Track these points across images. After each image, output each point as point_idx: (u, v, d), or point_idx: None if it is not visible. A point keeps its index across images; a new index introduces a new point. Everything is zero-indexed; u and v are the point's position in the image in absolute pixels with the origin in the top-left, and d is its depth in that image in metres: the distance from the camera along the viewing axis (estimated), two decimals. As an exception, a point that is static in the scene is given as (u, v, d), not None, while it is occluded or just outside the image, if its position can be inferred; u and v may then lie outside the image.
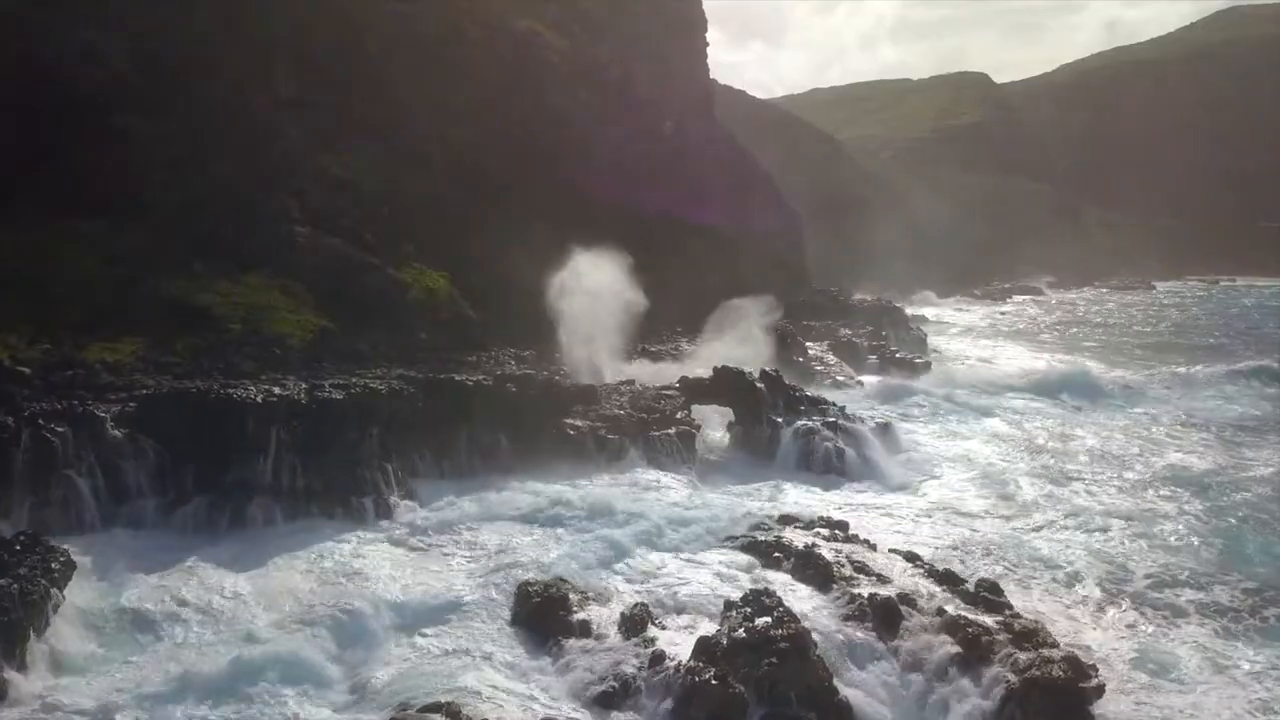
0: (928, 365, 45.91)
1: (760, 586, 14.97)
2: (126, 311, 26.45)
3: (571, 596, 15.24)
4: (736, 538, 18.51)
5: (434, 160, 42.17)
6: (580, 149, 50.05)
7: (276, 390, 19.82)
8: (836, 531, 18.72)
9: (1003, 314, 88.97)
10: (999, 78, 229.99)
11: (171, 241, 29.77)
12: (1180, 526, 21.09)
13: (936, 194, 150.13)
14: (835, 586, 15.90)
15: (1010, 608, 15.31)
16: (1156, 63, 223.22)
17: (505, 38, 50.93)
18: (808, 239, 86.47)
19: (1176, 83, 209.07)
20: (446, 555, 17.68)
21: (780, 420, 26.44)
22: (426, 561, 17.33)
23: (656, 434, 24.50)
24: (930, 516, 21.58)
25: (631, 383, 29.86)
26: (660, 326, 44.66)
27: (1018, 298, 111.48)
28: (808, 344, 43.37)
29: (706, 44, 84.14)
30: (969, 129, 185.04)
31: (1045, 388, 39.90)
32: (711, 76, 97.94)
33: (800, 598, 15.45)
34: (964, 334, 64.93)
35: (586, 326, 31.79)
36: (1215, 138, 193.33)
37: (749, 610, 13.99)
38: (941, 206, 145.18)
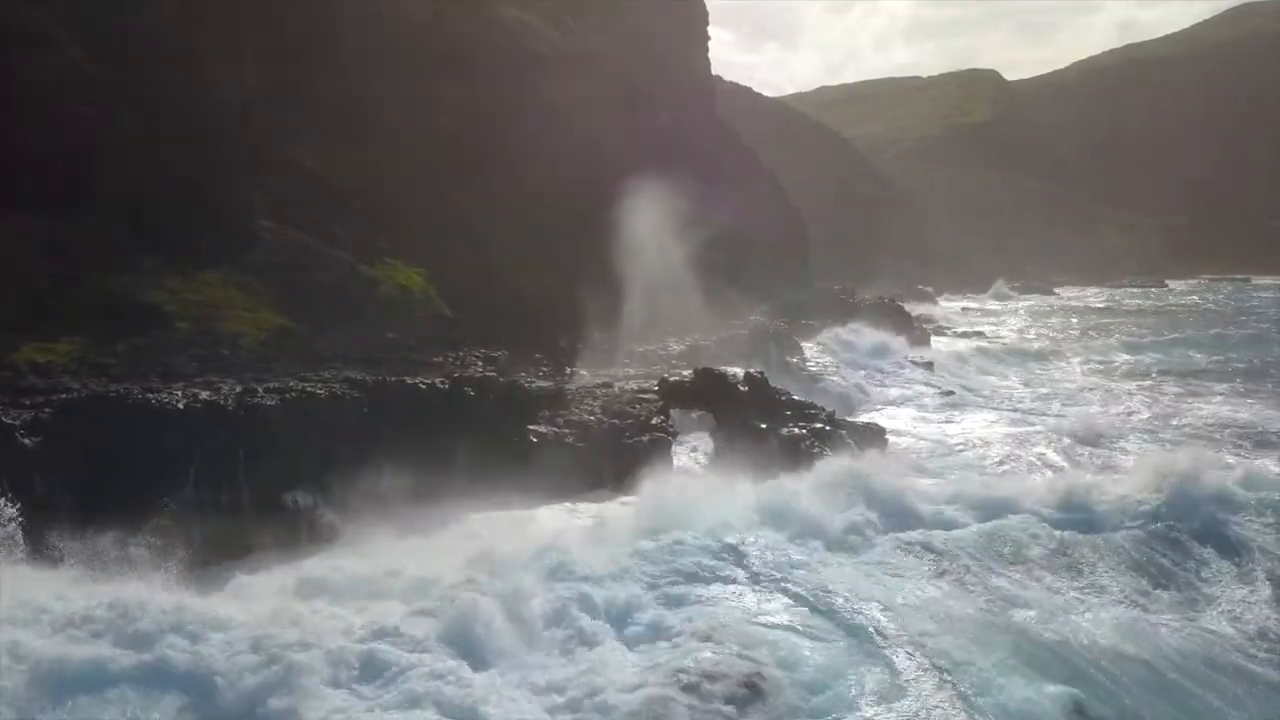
0: (929, 365, 44.26)
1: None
2: (68, 309, 24.87)
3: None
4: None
5: (415, 153, 40.47)
6: (571, 143, 48.38)
7: (204, 395, 18.12)
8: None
9: (1010, 314, 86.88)
10: (1011, 77, 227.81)
11: (123, 236, 28.17)
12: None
13: (945, 193, 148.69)
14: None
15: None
16: (1168, 60, 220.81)
17: (493, 28, 49.36)
18: (813, 238, 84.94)
19: (1188, 80, 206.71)
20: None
21: (765, 426, 24.67)
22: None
23: (630, 441, 22.75)
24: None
25: (610, 385, 28.14)
26: (650, 325, 42.98)
27: (1027, 297, 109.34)
28: (804, 344, 41.59)
29: (708, 38, 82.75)
30: (979, 127, 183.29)
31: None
32: (718, 74, 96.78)
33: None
34: (969, 335, 62.89)
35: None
36: (1228, 135, 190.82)
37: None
38: (950, 205, 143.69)
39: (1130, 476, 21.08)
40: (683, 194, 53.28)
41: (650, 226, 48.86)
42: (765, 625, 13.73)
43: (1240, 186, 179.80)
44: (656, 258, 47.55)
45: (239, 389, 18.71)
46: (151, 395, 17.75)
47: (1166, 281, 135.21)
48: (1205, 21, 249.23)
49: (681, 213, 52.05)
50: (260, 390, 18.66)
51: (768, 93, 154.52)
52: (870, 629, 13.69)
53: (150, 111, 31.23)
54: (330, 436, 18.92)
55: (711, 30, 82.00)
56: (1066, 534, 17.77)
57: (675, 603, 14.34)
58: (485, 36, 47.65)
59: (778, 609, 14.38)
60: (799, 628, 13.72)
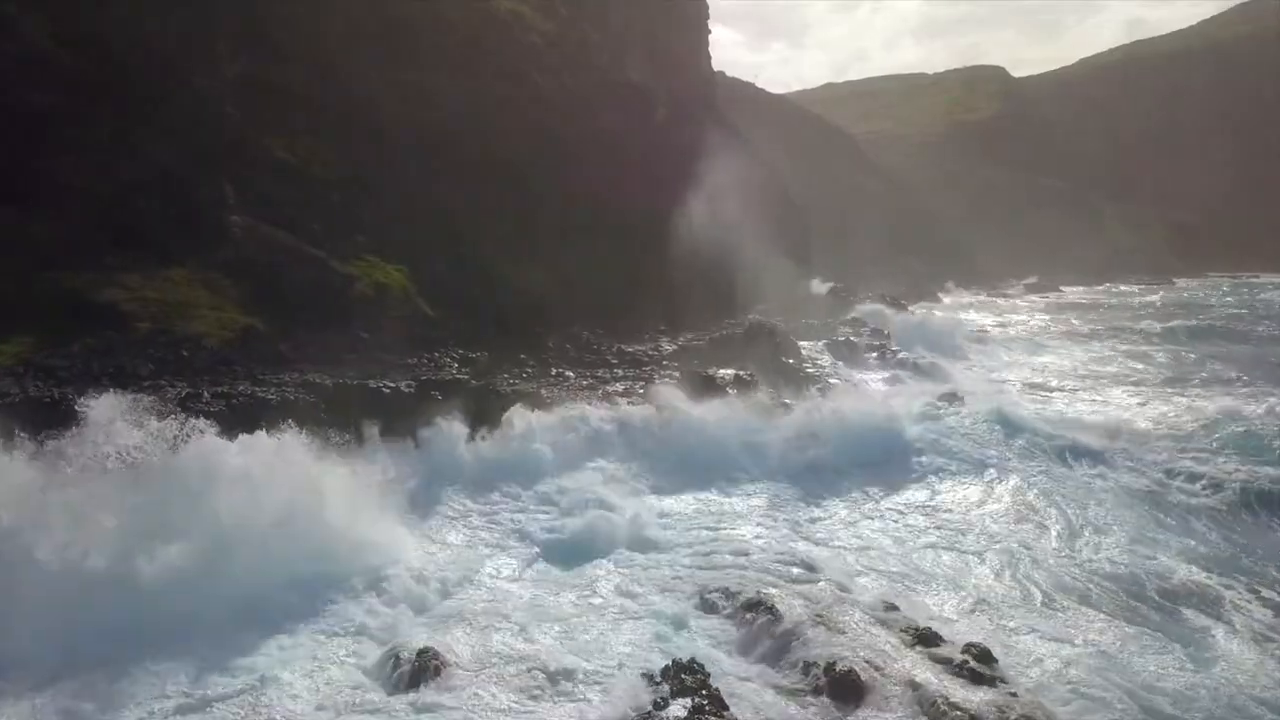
0: (932, 365, 42.89)
1: (684, 657, 11.87)
2: (23, 308, 23.71)
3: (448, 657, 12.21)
4: (678, 578, 15.51)
5: (399, 147, 39.23)
6: (564, 137, 47.16)
7: (148, 399, 16.87)
8: (797, 570, 15.63)
9: (1017, 312, 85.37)
10: (1018, 75, 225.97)
11: (87, 231, 26.96)
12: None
13: (950, 189, 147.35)
14: (786, 647, 12.82)
15: (1005, 680, 12.17)
16: (1176, 56, 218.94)
17: (484, 17, 48.07)
18: (816, 235, 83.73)
19: (1196, 76, 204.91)
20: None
21: (753, 432, 23.40)
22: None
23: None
24: (914, 545, 18.19)
25: (595, 388, 26.88)
26: (642, 324, 41.81)
27: (1033, 295, 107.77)
28: (802, 343, 40.27)
29: (708, 31, 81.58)
30: (984, 123, 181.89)
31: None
32: (721, 71, 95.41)
33: (737, 663, 12.40)
34: (974, 333, 61.47)
35: None
36: (1237, 132, 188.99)
37: (666, 691, 10.97)
38: (956, 202, 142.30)
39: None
40: (679, 190, 52.22)
41: (645, 223, 47.69)
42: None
43: (1250, 183, 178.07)
44: (651, 255, 46.37)
45: (183, 394, 17.43)
46: (84, 400, 16.47)
47: (1175, 280, 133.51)
48: (1212, 18, 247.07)
49: (677, 209, 50.97)
50: (206, 395, 17.41)
51: (774, 90, 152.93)
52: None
53: (119, 102, 30.03)
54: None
55: (719, 30, 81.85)
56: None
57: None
58: (475, 26, 46.42)
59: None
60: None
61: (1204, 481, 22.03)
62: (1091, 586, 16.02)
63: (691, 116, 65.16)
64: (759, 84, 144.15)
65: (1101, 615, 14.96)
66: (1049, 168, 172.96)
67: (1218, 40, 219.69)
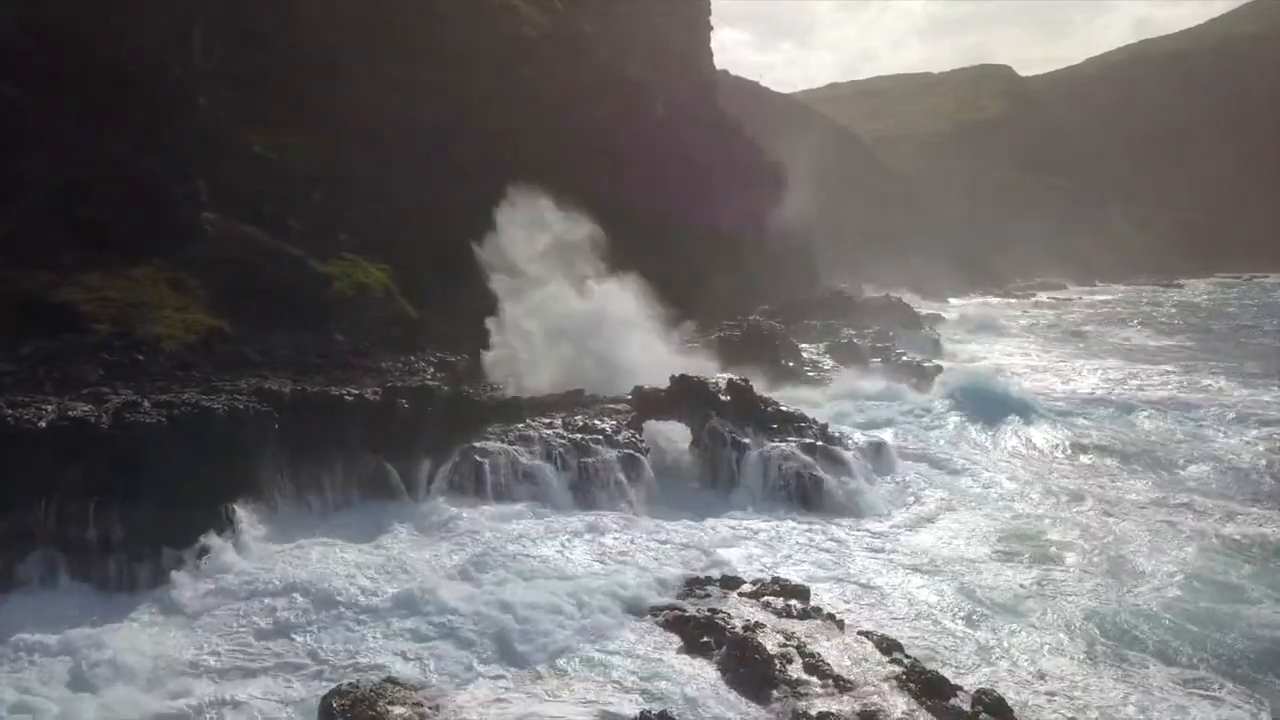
0: (938, 369, 41.32)
1: (657, 710, 10.42)
2: (-26, 310, 22.33)
3: (395, 711, 10.78)
4: (659, 609, 14.08)
5: (386, 141, 37.81)
6: (558, 132, 45.71)
7: (79, 410, 15.47)
8: (792, 603, 14.16)
9: (1022, 311, 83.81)
10: (1024, 74, 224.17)
11: (47, 228, 25.63)
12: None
13: (956, 189, 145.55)
14: (775, 694, 11.38)
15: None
16: (1184, 55, 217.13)
17: (476, 10, 46.64)
18: (819, 234, 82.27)
19: (1204, 75, 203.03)
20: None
21: (747, 441, 21.91)
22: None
23: (590, 461, 20.04)
24: (922, 572, 16.70)
25: (580, 393, 25.44)
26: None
27: (1040, 296, 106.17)
28: (802, 345, 38.75)
29: (709, 28, 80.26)
30: (991, 122, 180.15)
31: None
32: (724, 69, 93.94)
33: (720, 712, 10.94)
34: (980, 334, 60.05)
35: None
36: (1245, 131, 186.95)
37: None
38: (961, 201, 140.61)
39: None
40: (677, 188, 50.74)
41: (642, 221, 46.23)
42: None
43: (1258, 183, 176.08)
44: (649, 254, 44.92)
45: (122, 402, 16.01)
46: (10, 411, 15.06)
47: (1182, 281, 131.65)
48: (1220, 17, 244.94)
49: (676, 208, 49.50)
50: (146, 405, 15.95)
51: (779, 89, 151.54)
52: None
53: (85, 95, 28.64)
54: (234, 455, 16.17)
55: (727, 31, 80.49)
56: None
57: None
58: (467, 19, 44.98)
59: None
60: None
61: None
62: (1137, 623, 14.24)
63: (692, 115, 63.63)
64: (764, 83, 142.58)
65: (1152, 659, 13.15)
66: (1055, 167, 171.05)
67: (1226, 39, 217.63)
